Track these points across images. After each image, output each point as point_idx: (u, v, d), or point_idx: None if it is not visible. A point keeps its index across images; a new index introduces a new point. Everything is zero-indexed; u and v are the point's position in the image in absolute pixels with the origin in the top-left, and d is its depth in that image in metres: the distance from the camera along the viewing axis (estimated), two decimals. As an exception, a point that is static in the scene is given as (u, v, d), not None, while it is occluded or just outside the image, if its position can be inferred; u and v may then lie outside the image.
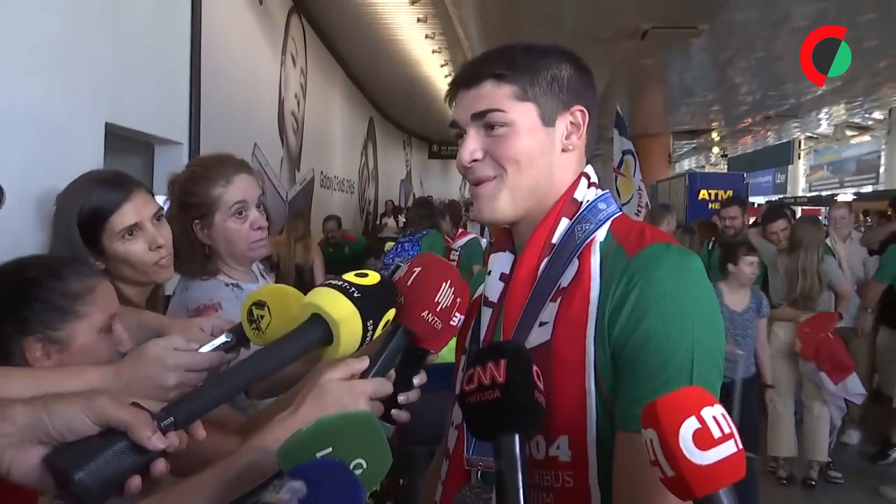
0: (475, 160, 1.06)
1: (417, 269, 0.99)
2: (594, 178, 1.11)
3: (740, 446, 0.71)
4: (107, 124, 3.47)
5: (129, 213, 1.55)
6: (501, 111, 1.04)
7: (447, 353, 1.07)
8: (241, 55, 6.16)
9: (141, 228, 1.56)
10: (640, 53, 9.20)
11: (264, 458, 0.85)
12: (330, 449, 0.76)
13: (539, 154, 1.05)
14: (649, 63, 9.88)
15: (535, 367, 0.89)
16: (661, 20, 7.91)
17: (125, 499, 0.77)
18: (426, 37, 9.80)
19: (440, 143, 19.75)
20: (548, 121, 1.06)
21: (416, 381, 1.01)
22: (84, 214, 1.54)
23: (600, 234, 1.04)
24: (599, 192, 1.11)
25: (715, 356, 0.95)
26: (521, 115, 1.04)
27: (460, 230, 6.11)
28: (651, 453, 0.72)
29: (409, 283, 0.97)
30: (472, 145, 1.06)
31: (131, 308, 1.51)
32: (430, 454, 2.52)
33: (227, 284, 1.74)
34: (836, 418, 4.50)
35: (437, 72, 11.81)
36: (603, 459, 0.93)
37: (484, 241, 6.03)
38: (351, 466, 0.76)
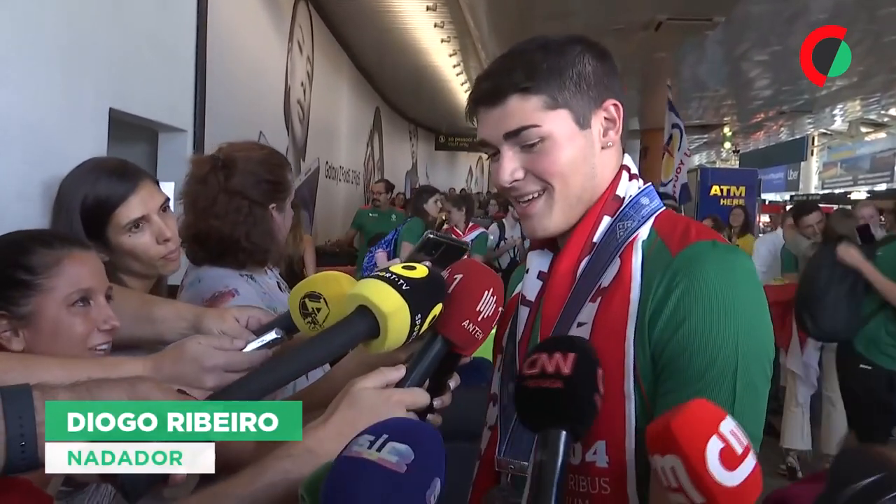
0: (517, 179, 1.02)
1: (459, 276, 0.93)
2: (634, 169, 1.06)
3: (755, 459, 0.69)
4: (111, 111, 3.40)
5: (136, 205, 1.50)
6: (536, 126, 0.99)
7: None
8: (248, 42, 6.08)
9: (147, 221, 1.51)
10: (654, 46, 9.07)
11: (294, 467, 0.82)
12: None
13: (581, 160, 1.01)
14: (663, 56, 9.74)
15: (600, 371, 0.84)
16: (676, 12, 7.79)
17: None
18: (435, 25, 9.69)
19: (447, 134, 19.61)
20: (583, 123, 1.01)
21: (452, 384, 0.97)
22: (88, 205, 1.49)
23: (643, 232, 1.00)
24: (641, 184, 1.05)
25: (761, 359, 0.91)
26: (557, 124, 0.99)
27: (471, 224, 6.07)
28: (672, 480, 0.67)
29: (449, 291, 0.92)
30: (511, 165, 1.01)
31: (167, 300, 1.49)
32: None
33: (241, 275, 1.70)
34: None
35: (445, 61, 11.70)
36: (642, 466, 0.88)
37: (492, 237, 6.15)
38: None
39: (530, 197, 1.03)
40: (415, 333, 0.88)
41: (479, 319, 0.92)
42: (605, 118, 1.03)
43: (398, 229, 5.51)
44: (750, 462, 0.68)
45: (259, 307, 1.26)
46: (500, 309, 0.95)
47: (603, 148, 1.03)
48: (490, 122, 1.02)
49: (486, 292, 0.93)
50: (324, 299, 1.08)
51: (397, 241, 5.34)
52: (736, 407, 0.87)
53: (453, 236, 1.34)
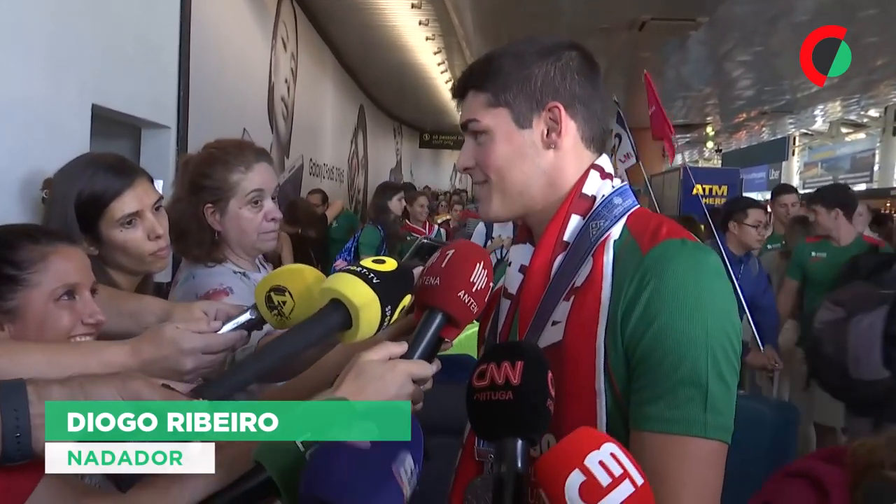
0: (467, 167, 1.10)
1: (451, 252, 0.98)
2: (609, 169, 1.09)
3: (639, 481, 0.69)
4: (93, 107, 3.37)
5: (131, 200, 1.52)
6: (476, 120, 1.07)
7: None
8: (231, 38, 6.04)
9: (141, 217, 1.53)
10: (638, 45, 9.13)
11: None
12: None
13: (518, 157, 1.05)
14: (647, 55, 9.80)
15: (550, 374, 0.85)
16: (660, 12, 7.85)
17: None
18: (420, 24, 9.66)
19: (432, 131, 19.57)
20: (523, 123, 1.05)
21: (434, 369, 0.99)
22: (83, 198, 1.50)
23: (615, 231, 1.02)
24: (616, 184, 1.08)
25: (730, 354, 0.93)
26: (495, 121, 1.05)
27: (428, 224, 6.28)
28: None
29: (443, 265, 0.97)
30: (466, 153, 1.10)
31: (135, 294, 1.50)
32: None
33: (234, 272, 1.70)
34: None
35: (430, 59, 11.68)
36: None
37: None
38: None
39: (478, 183, 1.11)
40: (385, 324, 0.92)
41: (474, 290, 0.96)
42: (550, 119, 1.05)
43: (356, 237, 5.43)
44: (621, 491, 0.68)
45: (228, 303, 1.28)
46: (491, 284, 0.99)
47: (548, 148, 1.05)
48: (460, 114, 1.12)
49: (478, 264, 0.97)
50: (289, 292, 1.10)
51: (356, 249, 5.24)
52: (708, 400, 0.89)
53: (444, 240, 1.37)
